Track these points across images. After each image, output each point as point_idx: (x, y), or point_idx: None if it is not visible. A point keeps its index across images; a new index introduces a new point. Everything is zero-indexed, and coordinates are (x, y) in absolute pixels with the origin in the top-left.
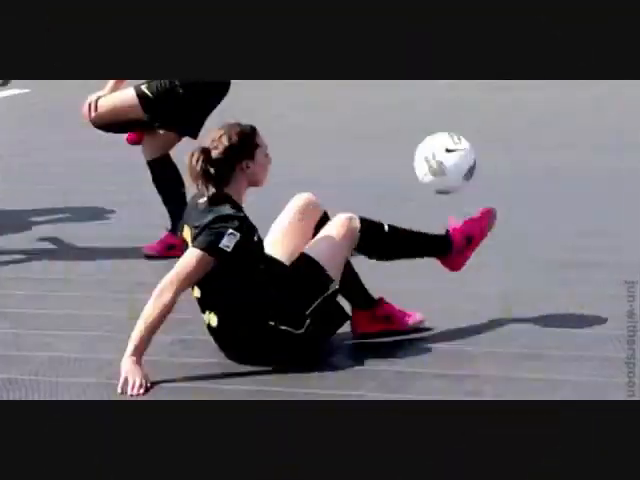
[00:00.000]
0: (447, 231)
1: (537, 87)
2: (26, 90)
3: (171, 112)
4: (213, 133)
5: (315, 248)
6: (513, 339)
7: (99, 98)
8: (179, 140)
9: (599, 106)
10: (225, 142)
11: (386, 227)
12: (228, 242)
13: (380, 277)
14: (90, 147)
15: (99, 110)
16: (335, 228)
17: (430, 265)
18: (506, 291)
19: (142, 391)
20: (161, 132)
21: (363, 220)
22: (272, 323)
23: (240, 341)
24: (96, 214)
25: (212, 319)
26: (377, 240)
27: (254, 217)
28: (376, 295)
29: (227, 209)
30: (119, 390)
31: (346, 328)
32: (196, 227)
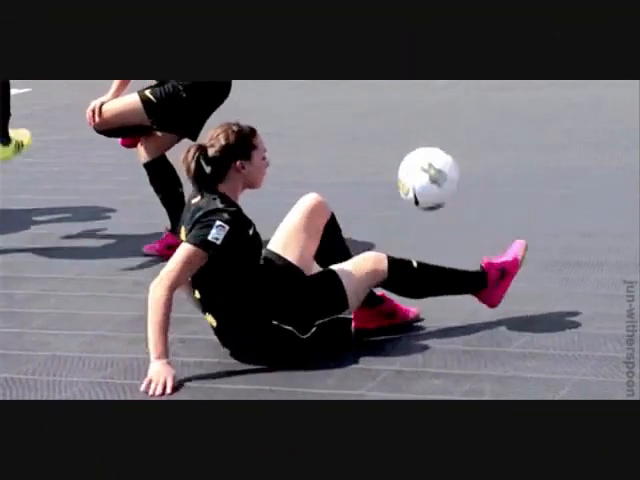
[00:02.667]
0: (481, 266)
1: (537, 87)
2: (27, 89)
3: (173, 115)
4: (212, 131)
5: (344, 272)
6: (513, 339)
7: (102, 103)
8: (177, 142)
9: (599, 106)
10: (222, 141)
11: (415, 263)
12: (217, 234)
13: None
14: (90, 147)
15: (103, 115)
16: (364, 262)
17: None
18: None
19: (169, 390)
20: (158, 134)
21: (390, 260)
22: (276, 322)
23: (241, 340)
24: (96, 214)
25: (212, 320)
26: (407, 278)
27: (254, 218)
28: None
29: (217, 204)
30: (142, 389)
31: None
32: (188, 225)
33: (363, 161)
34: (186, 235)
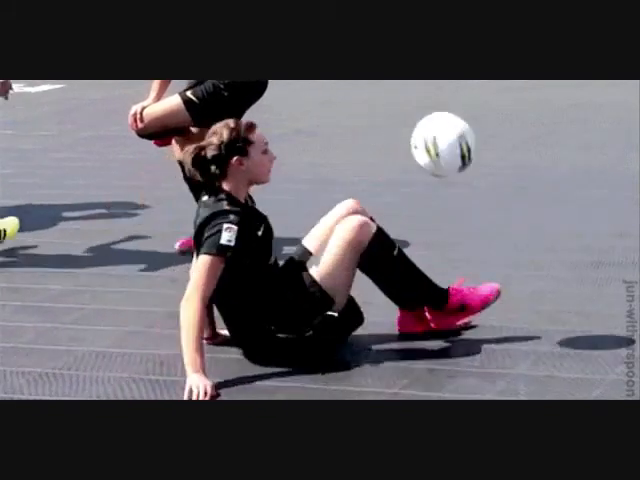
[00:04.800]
0: (448, 288)
1: (537, 87)
2: (61, 85)
3: (215, 114)
4: (209, 131)
5: (322, 269)
6: (545, 338)
7: (144, 108)
8: None
9: (599, 106)
10: (217, 139)
11: (396, 250)
12: (229, 236)
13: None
14: (123, 143)
15: (145, 120)
16: (344, 233)
17: (469, 266)
18: (506, 291)
19: (208, 398)
20: (193, 130)
21: (379, 230)
22: (273, 328)
23: (247, 342)
24: (128, 209)
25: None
26: (381, 258)
27: (266, 212)
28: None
29: (222, 205)
30: (185, 398)
31: (383, 326)
32: (195, 225)
33: (371, 159)
34: (195, 236)
